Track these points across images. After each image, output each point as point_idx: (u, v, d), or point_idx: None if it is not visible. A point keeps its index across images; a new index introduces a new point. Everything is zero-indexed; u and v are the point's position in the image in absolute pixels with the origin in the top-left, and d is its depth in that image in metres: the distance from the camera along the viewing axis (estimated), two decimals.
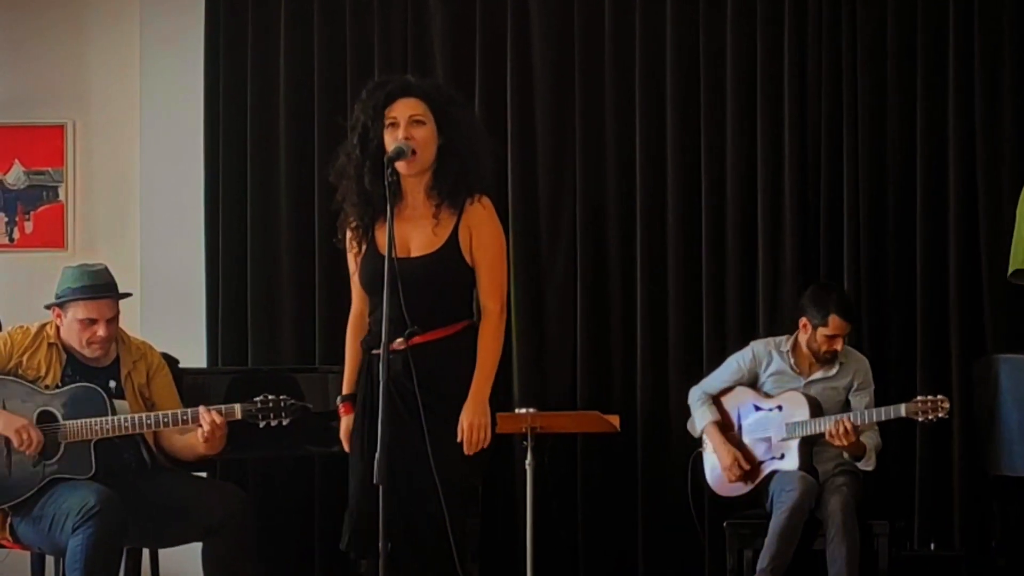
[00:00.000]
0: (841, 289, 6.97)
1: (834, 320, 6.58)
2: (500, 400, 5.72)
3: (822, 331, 6.58)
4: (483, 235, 4.84)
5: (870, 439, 6.57)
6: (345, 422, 5.03)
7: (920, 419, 6.36)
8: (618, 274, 7.86)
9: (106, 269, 5.95)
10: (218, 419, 5.65)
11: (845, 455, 6.53)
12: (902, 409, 6.39)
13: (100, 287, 5.88)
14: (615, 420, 6.42)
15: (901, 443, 7.32)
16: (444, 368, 4.80)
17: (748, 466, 6.64)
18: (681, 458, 7.32)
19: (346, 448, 5.01)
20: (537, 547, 6.28)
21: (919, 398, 6.36)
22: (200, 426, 5.64)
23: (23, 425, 5.63)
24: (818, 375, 6.69)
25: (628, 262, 7.85)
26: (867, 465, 6.59)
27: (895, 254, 7.71)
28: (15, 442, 5.63)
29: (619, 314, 7.87)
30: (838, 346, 6.62)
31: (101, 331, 5.81)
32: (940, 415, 6.32)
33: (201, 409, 5.67)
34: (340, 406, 5.07)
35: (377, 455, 4.45)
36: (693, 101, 7.75)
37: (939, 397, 6.32)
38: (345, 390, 5.05)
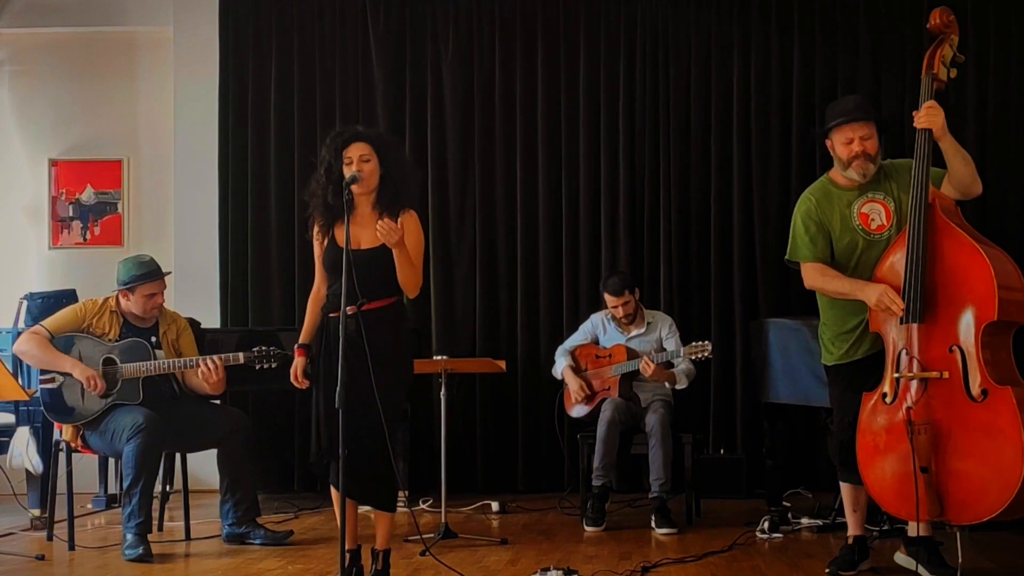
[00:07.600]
0: (617, 275, 6.83)
1: (606, 297, 6.75)
2: (422, 350, 5.90)
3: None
4: (411, 236, 4.75)
5: (682, 366, 6.56)
6: (297, 362, 4.90)
7: (693, 358, 6.39)
8: (505, 264, 8.04)
9: (152, 259, 6.15)
10: (212, 364, 5.73)
11: (667, 385, 6.58)
12: (674, 351, 6.53)
13: (156, 272, 6.04)
14: (502, 364, 6.50)
15: (701, 378, 7.24)
16: (381, 328, 4.68)
17: (590, 392, 6.66)
18: (549, 392, 7.45)
19: (295, 382, 4.89)
20: (448, 453, 6.35)
21: (693, 343, 6.36)
22: (201, 368, 5.78)
23: (92, 375, 5.79)
24: (635, 333, 6.75)
25: (511, 255, 8.05)
26: (680, 384, 6.59)
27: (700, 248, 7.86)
28: (86, 387, 5.81)
29: (505, 291, 8.03)
30: (618, 313, 6.64)
31: (160, 299, 6.04)
32: (706, 355, 6.34)
33: (199, 360, 5.81)
34: (296, 350, 4.93)
35: (338, 388, 4.37)
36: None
37: (704, 343, 6.34)
38: (302, 340, 4.92)
